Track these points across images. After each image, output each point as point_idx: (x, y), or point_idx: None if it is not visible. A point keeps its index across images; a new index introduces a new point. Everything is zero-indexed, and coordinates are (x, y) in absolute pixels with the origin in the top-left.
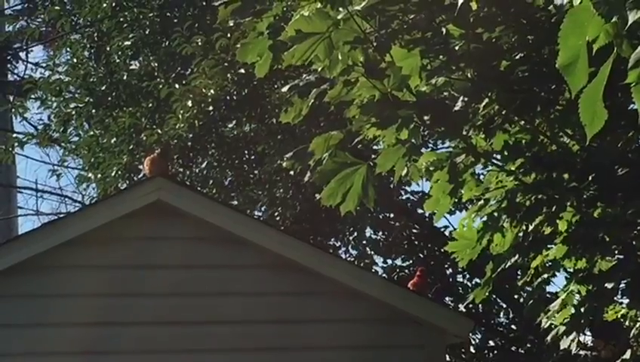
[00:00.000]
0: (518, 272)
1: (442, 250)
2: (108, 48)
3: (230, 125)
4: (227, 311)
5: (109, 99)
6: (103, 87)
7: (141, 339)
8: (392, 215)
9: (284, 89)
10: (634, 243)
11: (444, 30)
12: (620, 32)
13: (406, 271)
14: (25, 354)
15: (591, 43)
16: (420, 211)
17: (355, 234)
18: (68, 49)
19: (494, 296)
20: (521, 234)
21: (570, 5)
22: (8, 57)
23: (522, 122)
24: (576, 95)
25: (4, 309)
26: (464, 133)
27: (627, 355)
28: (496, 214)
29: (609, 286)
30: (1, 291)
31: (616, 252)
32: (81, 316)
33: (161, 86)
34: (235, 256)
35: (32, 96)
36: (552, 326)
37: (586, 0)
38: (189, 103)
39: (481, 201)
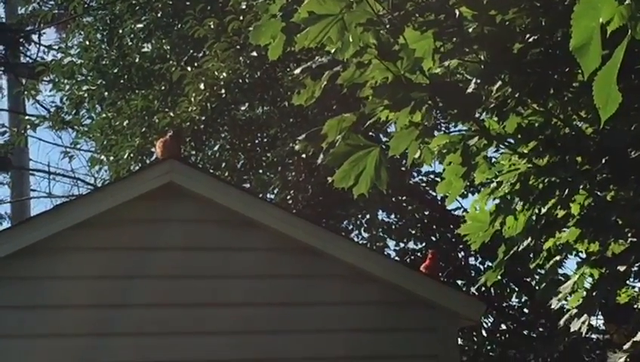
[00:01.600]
0: (531, 255)
1: (454, 233)
2: (120, 31)
3: (243, 108)
4: (238, 292)
5: (122, 81)
6: (116, 70)
7: (151, 321)
8: (404, 198)
9: (297, 71)
10: None
11: (457, 12)
12: (634, 13)
13: (418, 254)
14: (36, 335)
15: (605, 25)
16: (432, 193)
17: (368, 217)
18: (80, 31)
19: (506, 279)
20: (533, 217)
21: None
22: (21, 39)
23: (535, 105)
24: (590, 77)
25: (16, 291)
26: (477, 115)
27: (639, 337)
28: (508, 197)
29: (621, 268)
30: (13, 273)
31: (629, 235)
32: (93, 298)
33: (173, 69)
34: (246, 238)
35: (45, 79)
36: (564, 309)
37: None
38: (202, 86)
39: (494, 184)
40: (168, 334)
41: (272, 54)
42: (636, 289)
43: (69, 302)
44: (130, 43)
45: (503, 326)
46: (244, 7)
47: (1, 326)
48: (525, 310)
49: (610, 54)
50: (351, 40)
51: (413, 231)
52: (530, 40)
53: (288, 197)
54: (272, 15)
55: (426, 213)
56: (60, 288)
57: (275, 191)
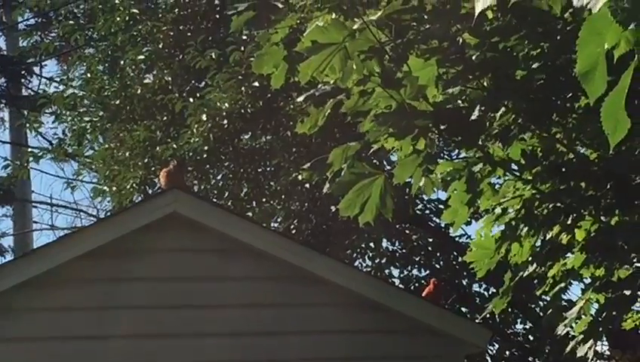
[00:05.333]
0: (535, 281)
1: (458, 260)
2: (122, 62)
3: (246, 137)
4: (242, 321)
5: (124, 112)
6: (118, 101)
7: (156, 351)
8: (407, 225)
9: (300, 99)
10: None
11: (460, 39)
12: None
13: (423, 281)
14: None
15: (611, 50)
16: (435, 220)
17: (372, 245)
18: (82, 63)
19: (510, 306)
20: (538, 242)
21: (589, 13)
22: (23, 72)
23: (539, 131)
24: (595, 103)
25: (21, 323)
26: (480, 142)
27: None
28: (513, 223)
29: (627, 293)
30: (17, 306)
31: (634, 260)
32: (97, 329)
33: (175, 100)
34: (251, 268)
35: (47, 111)
36: (570, 335)
37: (604, 7)
38: (204, 117)
39: (499, 210)
40: None
41: (274, 83)
42: None
43: (74, 333)
44: (132, 74)
45: (508, 353)
46: (245, 37)
47: (7, 359)
48: (530, 336)
49: (615, 79)
50: (354, 67)
51: (417, 258)
52: (533, 66)
53: (292, 226)
54: (274, 43)
55: (430, 240)
56: (66, 319)
57: (279, 221)
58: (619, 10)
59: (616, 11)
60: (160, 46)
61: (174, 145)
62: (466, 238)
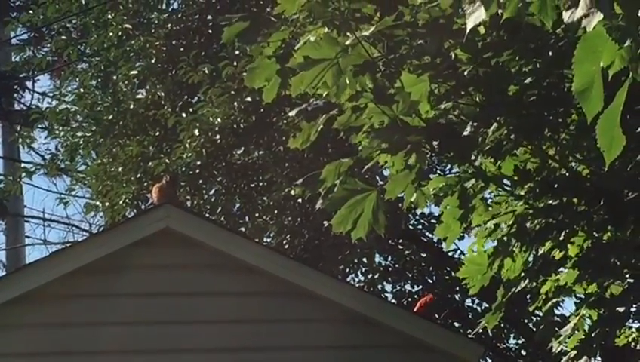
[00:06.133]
0: (528, 297)
1: (451, 275)
2: (115, 77)
3: (238, 152)
4: (236, 337)
5: (116, 128)
6: (110, 116)
7: None
8: (400, 240)
9: (292, 113)
10: None
11: (452, 55)
12: (634, 55)
13: (415, 296)
14: None
15: (606, 69)
16: (428, 235)
17: (365, 260)
18: (75, 78)
19: (503, 322)
20: (530, 258)
21: (584, 31)
22: (15, 87)
23: (531, 146)
24: (591, 120)
25: (14, 339)
26: (473, 158)
27: None
28: (506, 239)
29: (620, 310)
30: (10, 321)
31: (627, 276)
32: (89, 345)
33: (168, 115)
34: (243, 283)
35: (39, 126)
36: (563, 351)
37: (599, 25)
38: (196, 132)
39: (491, 226)
40: None
41: (266, 97)
42: (633, 330)
43: (65, 348)
44: (124, 89)
45: None
46: (238, 52)
47: None
48: (523, 352)
49: (609, 95)
50: (347, 82)
51: (410, 274)
52: (525, 82)
53: (284, 241)
54: (266, 56)
55: (423, 255)
56: (56, 335)
57: (272, 236)
58: (614, 27)
59: (611, 29)
60: (153, 61)
61: (167, 161)
62: (459, 254)
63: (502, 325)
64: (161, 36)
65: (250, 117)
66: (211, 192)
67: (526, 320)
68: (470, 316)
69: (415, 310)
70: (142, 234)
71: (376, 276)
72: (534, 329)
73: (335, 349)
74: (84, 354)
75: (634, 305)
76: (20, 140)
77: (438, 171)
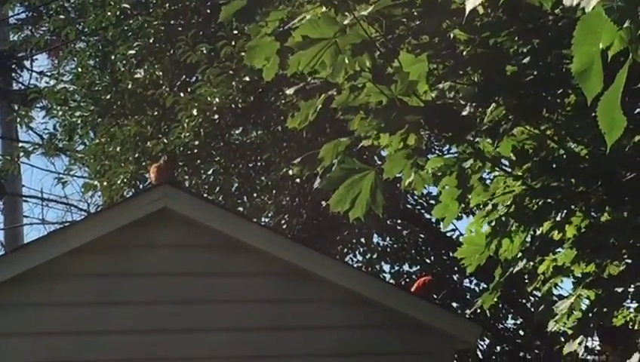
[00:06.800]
0: (526, 277)
1: (449, 255)
2: (113, 57)
3: (236, 132)
4: (233, 318)
5: (115, 107)
6: (108, 96)
7: (145, 345)
8: (398, 221)
9: (289, 91)
10: None
11: (450, 35)
12: (634, 37)
13: (413, 276)
14: None
15: (605, 50)
16: (426, 216)
17: (363, 240)
18: (73, 58)
19: (501, 301)
20: (528, 238)
21: (582, 12)
22: (13, 66)
23: (529, 127)
24: (591, 101)
25: (11, 319)
26: (471, 138)
27: (634, 359)
28: (504, 219)
29: (618, 290)
30: (7, 300)
31: (625, 256)
32: (88, 324)
33: (166, 94)
34: (242, 264)
35: (37, 106)
36: (561, 330)
37: (598, 6)
38: (194, 112)
39: (489, 206)
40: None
41: (266, 75)
42: (631, 310)
43: (64, 328)
44: (122, 69)
45: (499, 348)
46: (236, 32)
47: None
48: (521, 332)
49: (608, 76)
50: (346, 61)
51: (408, 254)
52: (524, 62)
53: (282, 221)
54: (265, 34)
55: (421, 235)
56: (55, 314)
57: (270, 216)
58: (613, 8)
59: (610, 10)
60: (151, 41)
61: (165, 140)
62: (458, 234)
63: (500, 305)
64: (159, 16)
65: (248, 97)
66: (209, 172)
67: (524, 301)
68: (468, 296)
69: (413, 290)
70: (140, 214)
71: (375, 256)
72: (532, 309)
73: (333, 329)
74: (84, 334)
75: (631, 286)
76: (18, 120)
77: (437, 151)
